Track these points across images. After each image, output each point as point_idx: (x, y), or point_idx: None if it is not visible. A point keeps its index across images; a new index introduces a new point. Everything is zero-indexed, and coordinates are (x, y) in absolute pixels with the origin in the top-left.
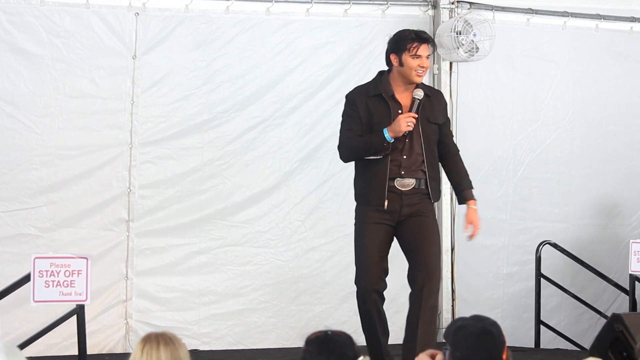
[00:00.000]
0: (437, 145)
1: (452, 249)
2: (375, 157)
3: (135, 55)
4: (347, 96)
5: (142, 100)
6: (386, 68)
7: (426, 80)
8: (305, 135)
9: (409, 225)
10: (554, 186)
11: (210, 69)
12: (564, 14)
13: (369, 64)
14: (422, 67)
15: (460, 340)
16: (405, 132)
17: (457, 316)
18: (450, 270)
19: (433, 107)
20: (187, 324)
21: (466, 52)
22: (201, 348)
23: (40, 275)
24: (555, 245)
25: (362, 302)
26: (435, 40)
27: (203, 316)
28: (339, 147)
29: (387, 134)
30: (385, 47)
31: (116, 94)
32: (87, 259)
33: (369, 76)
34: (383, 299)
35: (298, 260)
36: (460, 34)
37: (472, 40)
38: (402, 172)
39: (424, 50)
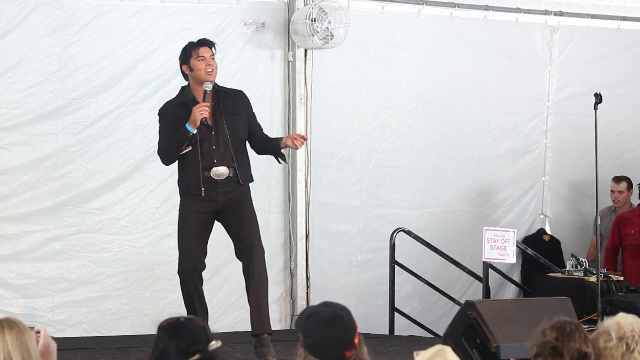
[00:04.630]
0: (250, 137)
1: (307, 236)
2: (187, 151)
3: None
4: (158, 111)
5: None
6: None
7: (281, 66)
8: None
9: (229, 212)
10: (408, 173)
11: (65, 55)
12: (419, 1)
13: (224, 51)
14: (209, 65)
15: (311, 327)
16: (204, 120)
17: (311, 303)
18: (304, 257)
19: (234, 102)
20: (42, 311)
21: (321, 40)
22: (56, 335)
23: None
24: (409, 232)
25: (183, 283)
26: (290, 27)
27: (57, 303)
28: (158, 154)
29: (189, 126)
30: (240, 33)
31: None
32: None
33: (224, 62)
34: (202, 280)
35: (153, 247)
36: (315, 21)
37: (327, 28)
38: (215, 161)
39: (205, 51)
